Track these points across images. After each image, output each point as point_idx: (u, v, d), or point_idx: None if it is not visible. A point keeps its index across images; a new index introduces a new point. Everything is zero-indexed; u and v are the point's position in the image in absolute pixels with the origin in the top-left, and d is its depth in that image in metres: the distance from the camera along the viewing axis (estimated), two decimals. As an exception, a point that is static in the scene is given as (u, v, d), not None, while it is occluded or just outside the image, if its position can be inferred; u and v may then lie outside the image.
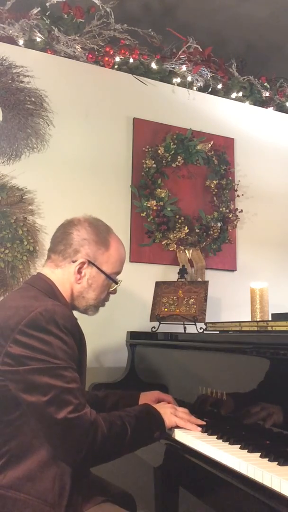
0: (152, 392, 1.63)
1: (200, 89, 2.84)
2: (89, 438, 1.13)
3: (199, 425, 1.39)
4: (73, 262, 1.39)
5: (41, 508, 1.15)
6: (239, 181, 2.82)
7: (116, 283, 1.49)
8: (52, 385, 1.13)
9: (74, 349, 1.24)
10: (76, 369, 1.21)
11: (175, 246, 2.56)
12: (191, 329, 2.05)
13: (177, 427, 1.38)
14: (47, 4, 2.44)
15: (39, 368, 1.14)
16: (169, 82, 2.76)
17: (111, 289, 1.49)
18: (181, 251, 2.57)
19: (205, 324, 1.89)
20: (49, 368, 1.14)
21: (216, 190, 2.71)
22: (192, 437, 1.32)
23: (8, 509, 1.13)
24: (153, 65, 2.68)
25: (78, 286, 1.41)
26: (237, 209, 2.75)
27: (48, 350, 1.16)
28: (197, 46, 2.76)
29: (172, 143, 2.63)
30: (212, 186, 2.70)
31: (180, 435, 1.36)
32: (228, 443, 1.25)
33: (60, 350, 1.17)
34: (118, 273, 1.50)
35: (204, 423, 1.41)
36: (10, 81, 2.32)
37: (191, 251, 2.59)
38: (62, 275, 1.40)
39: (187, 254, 2.59)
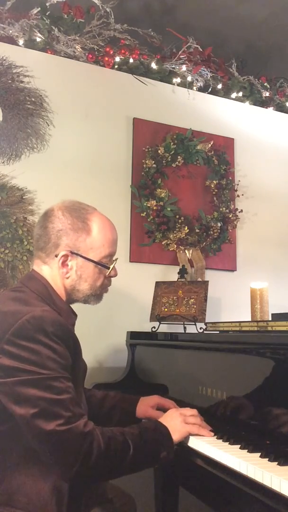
0: (152, 397, 1.55)
1: (200, 89, 2.84)
2: (82, 452, 1.06)
3: (220, 434, 1.32)
4: (56, 256, 1.31)
5: None
6: (239, 181, 2.82)
7: (108, 268, 1.37)
8: (41, 397, 1.07)
9: (66, 357, 1.16)
10: (69, 378, 1.15)
11: (175, 246, 2.56)
12: (191, 329, 2.05)
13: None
14: (47, 4, 2.44)
15: (27, 380, 1.08)
16: (169, 82, 2.76)
17: (107, 274, 1.38)
18: (181, 251, 2.57)
19: (205, 324, 1.89)
20: (38, 379, 1.09)
21: (216, 190, 2.71)
22: (192, 437, 1.31)
23: None
24: (153, 65, 2.68)
25: (68, 280, 1.33)
26: (237, 209, 2.75)
27: (36, 360, 1.10)
28: (197, 46, 2.76)
29: (172, 143, 2.63)
30: (212, 186, 2.70)
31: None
32: (228, 443, 1.25)
33: (50, 360, 1.11)
34: (109, 255, 1.38)
35: (210, 428, 1.35)
36: (10, 81, 2.32)
37: (191, 251, 2.59)
38: (50, 272, 1.33)
39: (187, 254, 2.58)
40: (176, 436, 1.26)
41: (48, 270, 1.33)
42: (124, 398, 1.58)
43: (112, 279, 1.84)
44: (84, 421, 1.10)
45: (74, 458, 1.06)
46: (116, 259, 1.41)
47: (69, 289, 1.34)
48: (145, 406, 1.51)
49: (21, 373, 1.09)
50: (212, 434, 1.33)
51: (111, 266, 1.38)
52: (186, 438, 1.32)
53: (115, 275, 1.41)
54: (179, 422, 1.28)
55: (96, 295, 1.39)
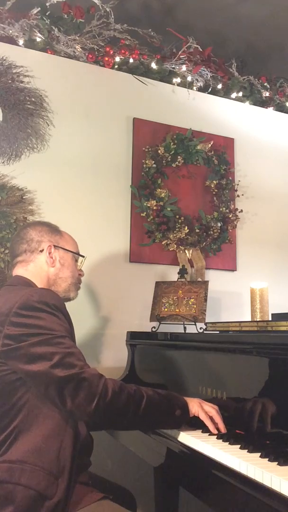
0: None
1: (200, 89, 2.84)
2: (99, 389, 1.19)
3: (222, 429, 1.35)
4: (41, 251, 1.53)
5: (47, 478, 1.19)
6: (239, 181, 2.82)
7: (83, 256, 1.65)
8: (54, 352, 1.21)
9: (66, 324, 1.33)
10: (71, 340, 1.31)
11: (175, 246, 2.56)
12: (191, 329, 2.05)
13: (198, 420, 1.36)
14: (47, 4, 2.44)
15: (38, 341, 1.22)
16: (169, 82, 2.76)
17: (78, 268, 1.64)
18: (181, 251, 2.57)
19: (205, 324, 1.89)
20: (47, 338, 1.23)
21: (216, 190, 2.70)
22: (192, 437, 1.32)
23: (16, 479, 1.17)
24: (153, 65, 2.68)
25: (53, 269, 1.54)
26: (237, 209, 2.75)
27: (43, 325, 1.25)
28: (197, 46, 2.76)
29: (172, 143, 2.63)
30: (212, 186, 2.70)
31: (180, 435, 1.36)
32: (228, 443, 1.25)
33: (55, 324, 1.27)
34: (79, 252, 1.65)
35: (225, 431, 1.35)
36: (10, 81, 2.32)
37: (191, 251, 2.59)
38: (35, 268, 1.52)
39: (187, 254, 2.58)
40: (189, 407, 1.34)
41: (33, 266, 1.52)
42: None
43: (113, 278, 2.37)
44: (95, 368, 1.25)
45: (92, 396, 1.18)
46: (83, 259, 1.67)
47: (53, 278, 1.54)
48: None
49: (31, 337, 1.23)
50: (216, 432, 1.33)
51: (85, 257, 1.66)
52: (187, 439, 1.32)
53: (83, 274, 1.68)
54: (193, 403, 1.36)
55: (75, 285, 1.60)
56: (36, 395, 1.24)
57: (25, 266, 1.52)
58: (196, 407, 1.35)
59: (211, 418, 1.35)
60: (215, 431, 1.34)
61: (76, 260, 1.63)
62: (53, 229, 1.60)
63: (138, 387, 1.28)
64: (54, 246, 1.55)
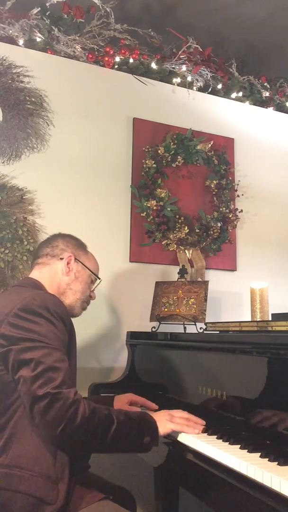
0: (126, 395, 1.68)
1: (200, 89, 2.84)
2: (68, 414, 1.14)
3: (201, 426, 1.36)
4: (61, 259, 1.56)
5: (45, 484, 1.18)
6: (239, 181, 2.82)
7: (99, 278, 1.67)
8: (41, 362, 1.19)
9: (64, 334, 1.32)
10: (65, 353, 1.28)
11: (175, 246, 2.56)
12: (191, 329, 2.05)
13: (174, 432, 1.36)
14: (47, 4, 2.44)
15: (30, 347, 1.21)
16: (169, 82, 2.76)
17: (92, 289, 1.65)
18: (181, 251, 2.57)
19: (205, 324, 1.89)
20: (39, 346, 1.21)
21: (216, 190, 2.71)
22: (192, 437, 1.32)
23: (14, 487, 1.16)
24: (153, 65, 2.68)
25: (66, 278, 1.55)
26: (237, 209, 2.75)
27: (39, 331, 1.24)
28: (197, 46, 2.76)
29: (172, 143, 2.63)
30: (212, 186, 2.70)
31: (180, 435, 1.36)
32: (228, 443, 1.25)
33: (51, 333, 1.25)
34: (96, 275, 1.66)
35: (204, 423, 1.38)
36: (10, 81, 2.32)
37: (191, 251, 2.59)
38: (49, 272, 1.54)
39: (187, 254, 2.58)
40: (159, 430, 1.30)
41: (48, 270, 1.54)
42: (99, 398, 1.74)
43: (113, 278, 2.42)
44: (74, 390, 1.20)
45: (59, 420, 1.14)
46: (99, 282, 1.68)
47: (64, 287, 1.55)
48: (120, 402, 1.61)
49: (25, 342, 1.22)
50: (196, 431, 1.34)
51: (97, 283, 1.67)
52: (186, 439, 1.32)
53: (94, 297, 1.69)
54: (165, 419, 1.33)
55: (82, 301, 1.61)
56: None
57: (41, 268, 1.55)
58: (167, 425, 1.31)
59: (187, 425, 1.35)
60: (195, 432, 1.33)
61: (92, 282, 1.64)
62: (80, 245, 1.64)
63: (111, 411, 1.23)
64: (75, 258, 1.58)
